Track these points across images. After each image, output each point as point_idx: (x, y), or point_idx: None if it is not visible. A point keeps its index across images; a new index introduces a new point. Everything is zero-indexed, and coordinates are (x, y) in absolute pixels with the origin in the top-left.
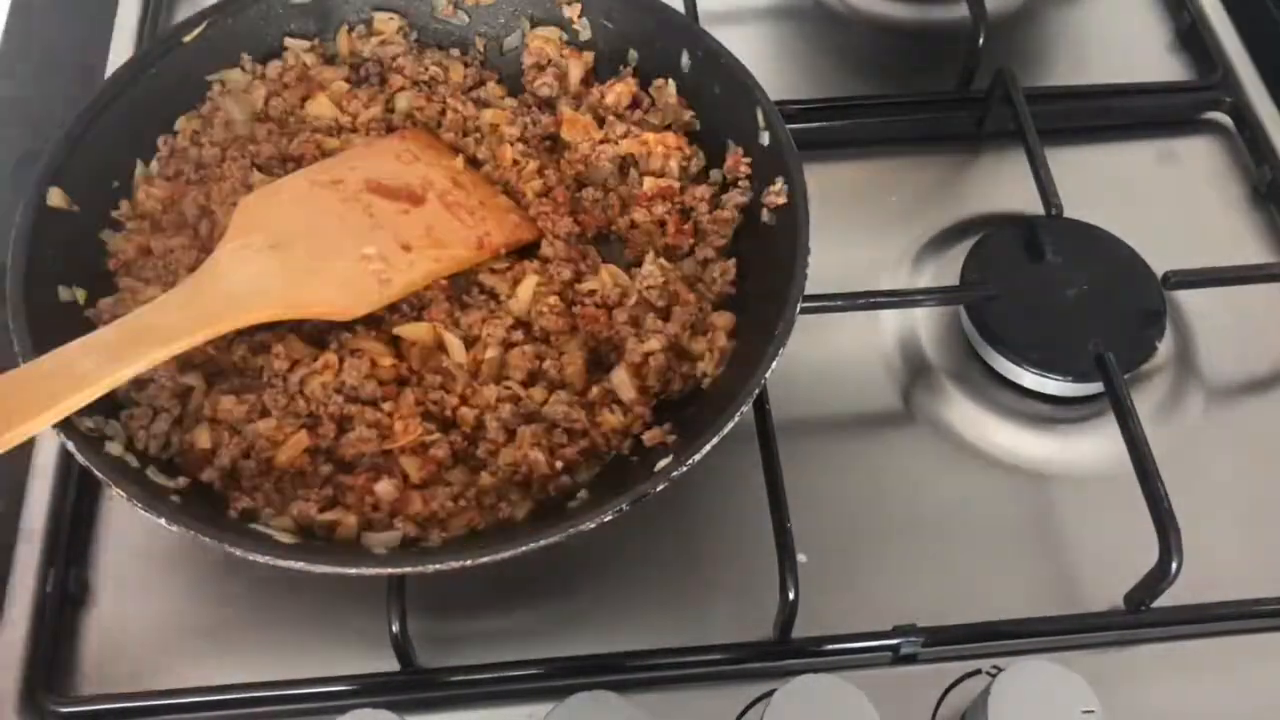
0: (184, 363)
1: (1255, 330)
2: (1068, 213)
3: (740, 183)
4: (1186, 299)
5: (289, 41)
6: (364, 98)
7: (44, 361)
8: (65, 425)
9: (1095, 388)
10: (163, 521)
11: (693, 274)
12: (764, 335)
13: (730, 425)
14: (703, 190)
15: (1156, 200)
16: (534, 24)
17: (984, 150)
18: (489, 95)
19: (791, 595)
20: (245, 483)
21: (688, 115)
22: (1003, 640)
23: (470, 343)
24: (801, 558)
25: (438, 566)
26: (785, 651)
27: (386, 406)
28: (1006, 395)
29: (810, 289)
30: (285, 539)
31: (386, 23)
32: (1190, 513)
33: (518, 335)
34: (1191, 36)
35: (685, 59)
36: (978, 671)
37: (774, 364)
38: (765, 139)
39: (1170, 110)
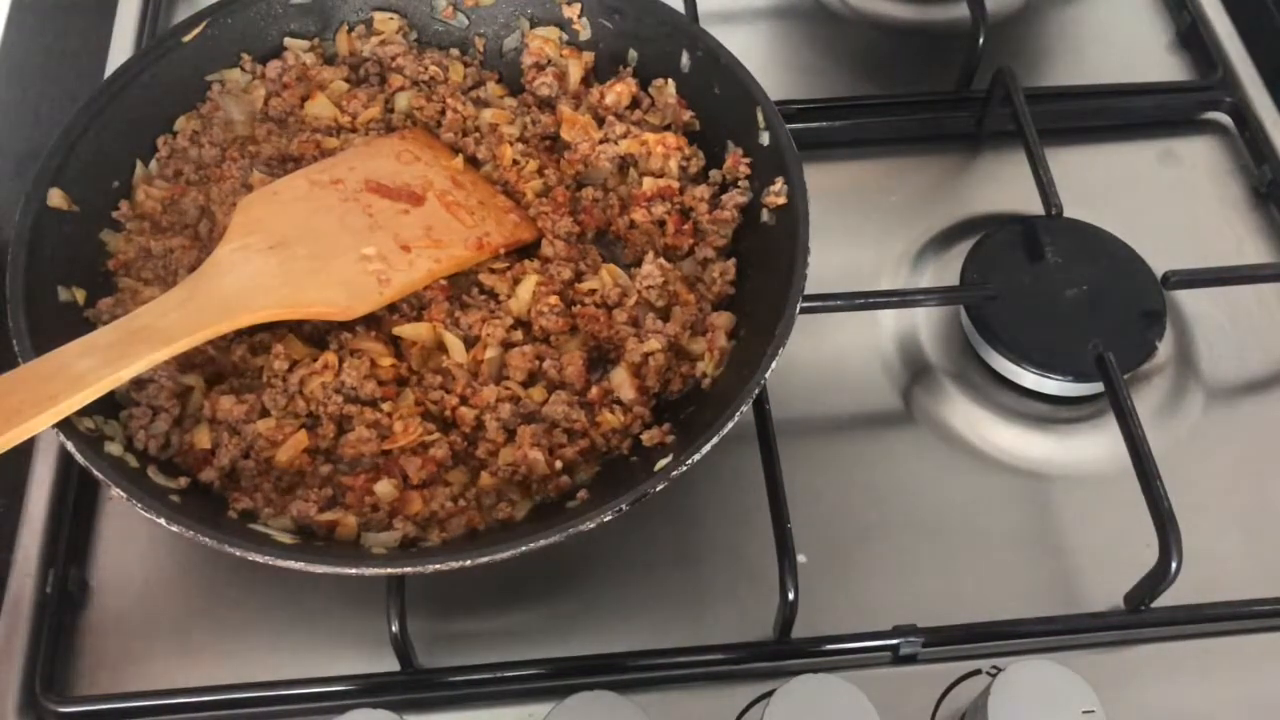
0: (184, 363)
1: (1255, 330)
2: (1068, 213)
3: (740, 183)
4: (1186, 299)
5: (289, 41)
6: (364, 98)
7: (44, 361)
8: (65, 425)
9: (1095, 388)
10: (162, 521)
11: (692, 274)
12: (764, 335)
13: (730, 425)
14: (702, 190)
15: (1156, 200)
16: (534, 24)
17: (984, 150)
18: (489, 95)
19: (791, 595)
20: (245, 483)
21: (687, 115)
22: (1003, 640)
23: (470, 343)
24: (801, 558)
25: (437, 566)
26: (785, 651)
27: (386, 407)
28: (1006, 395)
29: (810, 289)
30: (285, 539)
31: (386, 22)
32: (1190, 513)
33: (517, 335)
34: (1191, 36)
35: (685, 59)
36: (978, 671)
37: (774, 364)
38: (765, 139)
39: (1170, 110)
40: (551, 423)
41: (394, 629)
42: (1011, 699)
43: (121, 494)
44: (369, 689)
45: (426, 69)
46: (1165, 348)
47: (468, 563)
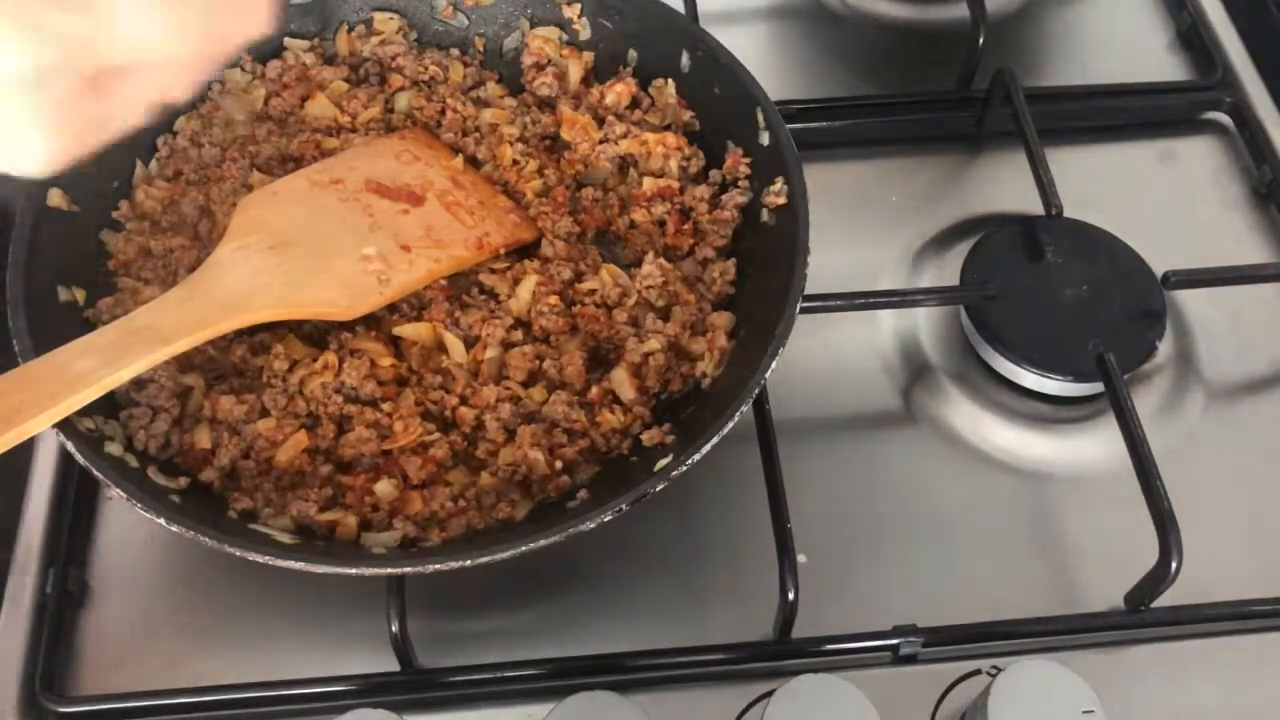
0: (184, 363)
1: (1255, 330)
2: (1068, 213)
3: (740, 183)
4: (1186, 299)
5: (289, 41)
6: (364, 98)
7: (44, 361)
8: (65, 425)
9: (1095, 388)
10: (162, 521)
11: (692, 274)
12: (764, 335)
13: (730, 425)
14: (702, 190)
15: (1156, 200)
16: (534, 24)
17: (984, 150)
18: (489, 95)
19: (791, 595)
20: (245, 483)
21: (687, 115)
22: (1003, 640)
23: (470, 343)
24: (801, 558)
25: (437, 566)
26: (785, 651)
27: (386, 407)
28: (1006, 395)
29: (810, 289)
30: (285, 539)
31: (386, 23)
32: (1190, 513)
33: (517, 335)
34: (1191, 36)
35: (685, 59)
36: (978, 671)
37: (774, 364)
38: (765, 139)
39: (1170, 110)
40: (551, 423)
41: (394, 629)
42: (1011, 699)
43: (121, 494)
44: (369, 689)
45: (426, 69)
46: (1165, 348)
47: (468, 563)
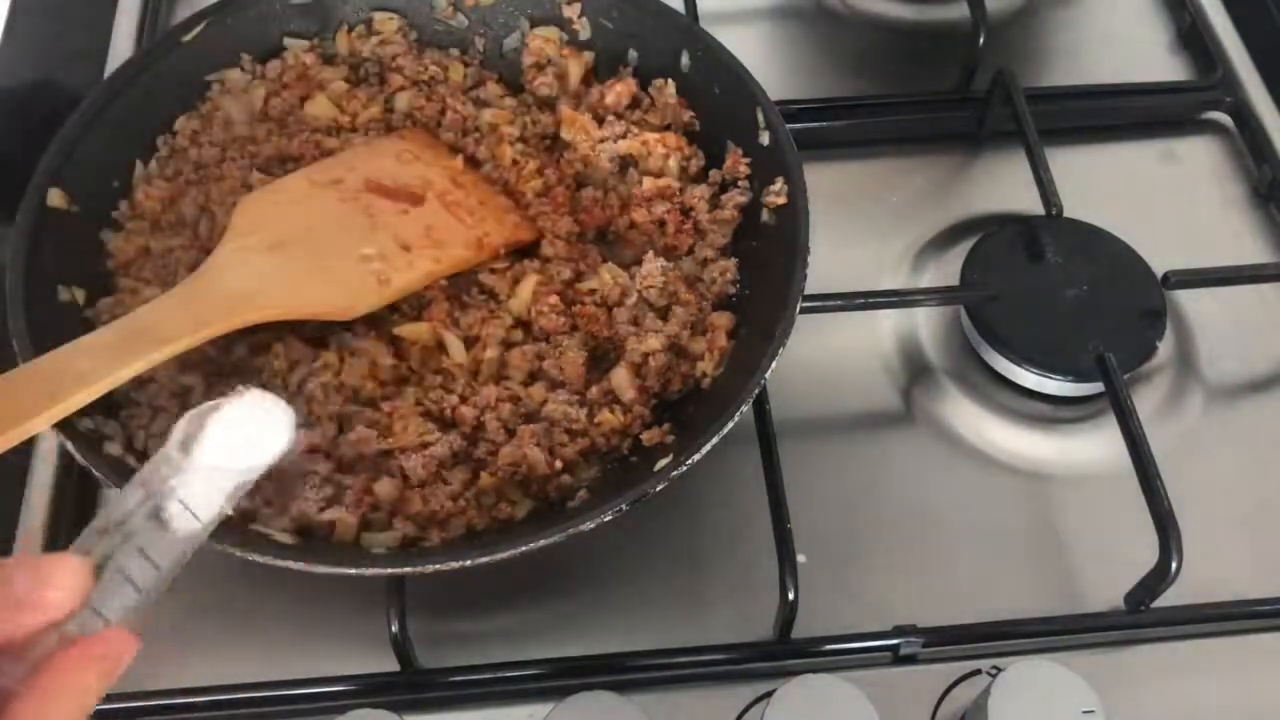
0: (184, 363)
1: (1255, 330)
2: (1068, 213)
3: (740, 183)
4: (1186, 299)
5: (289, 41)
6: (363, 98)
7: (43, 361)
8: (65, 425)
9: (1095, 388)
10: None
11: (692, 274)
12: (764, 335)
13: (730, 425)
14: (702, 190)
15: (1156, 200)
16: (534, 24)
17: (984, 150)
18: (489, 95)
19: (791, 595)
20: None
21: (687, 115)
22: (1003, 640)
23: (470, 343)
24: (801, 558)
25: (437, 566)
26: (785, 651)
27: (386, 406)
28: (1006, 395)
29: (810, 289)
30: (285, 539)
31: (386, 22)
32: (1190, 513)
33: (517, 335)
34: (1191, 36)
35: (685, 59)
36: (978, 671)
37: (774, 364)
38: (765, 139)
39: (1170, 110)
40: (551, 422)
41: (394, 629)
42: (1011, 699)
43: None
44: (369, 689)
45: (426, 69)
46: (1165, 348)
47: (468, 563)
